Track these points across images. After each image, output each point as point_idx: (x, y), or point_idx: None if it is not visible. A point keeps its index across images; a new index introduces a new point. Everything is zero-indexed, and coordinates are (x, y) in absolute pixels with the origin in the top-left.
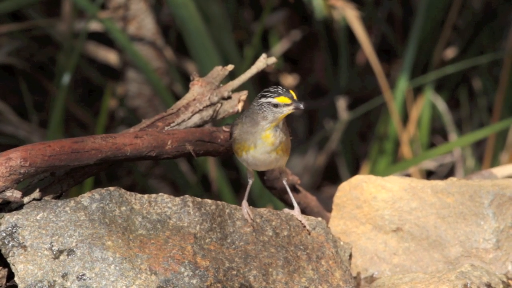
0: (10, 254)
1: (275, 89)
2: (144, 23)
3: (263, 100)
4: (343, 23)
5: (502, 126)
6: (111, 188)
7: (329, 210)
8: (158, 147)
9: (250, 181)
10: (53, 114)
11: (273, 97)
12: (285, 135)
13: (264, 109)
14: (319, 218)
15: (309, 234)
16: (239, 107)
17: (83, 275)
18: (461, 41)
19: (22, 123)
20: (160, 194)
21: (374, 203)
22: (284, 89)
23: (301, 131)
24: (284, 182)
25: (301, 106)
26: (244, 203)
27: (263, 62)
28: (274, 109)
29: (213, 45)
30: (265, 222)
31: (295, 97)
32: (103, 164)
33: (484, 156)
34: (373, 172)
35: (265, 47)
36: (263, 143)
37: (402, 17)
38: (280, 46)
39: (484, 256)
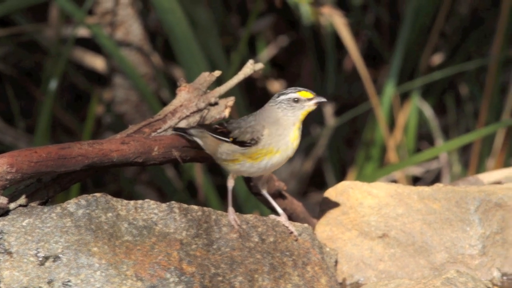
0: None
1: (292, 88)
2: (132, 29)
3: (282, 97)
4: (330, 29)
5: (488, 131)
6: (97, 194)
7: (315, 216)
8: (145, 153)
9: (231, 186)
10: (40, 120)
11: (293, 92)
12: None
13: (284, 107)
14: (305, 224)
15: (296, 240)
16: (226, 113)
17: (69, 281)
18: (448, 47)
19: (9, 129)
20: (146, 200)
21: (360, 209)
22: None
23: None
24: (264, 192)
25: (323, 99)
26: (230, 209)
27: (250, 68)
28: (295, 104)
29: (200, 51)
30: (251, 228)
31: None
32: (90, 170)
33: (470, 162)
34: (359, 178)
35: (252, 52)
36: (292, 144)
37: (389, 23)
38: (267, 52)
39: (470, 262)
